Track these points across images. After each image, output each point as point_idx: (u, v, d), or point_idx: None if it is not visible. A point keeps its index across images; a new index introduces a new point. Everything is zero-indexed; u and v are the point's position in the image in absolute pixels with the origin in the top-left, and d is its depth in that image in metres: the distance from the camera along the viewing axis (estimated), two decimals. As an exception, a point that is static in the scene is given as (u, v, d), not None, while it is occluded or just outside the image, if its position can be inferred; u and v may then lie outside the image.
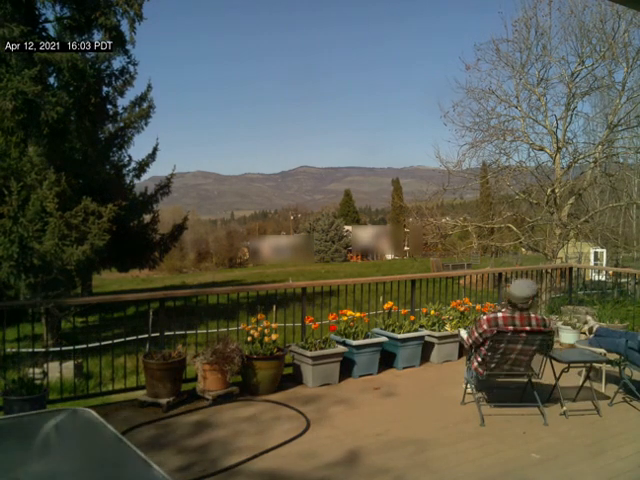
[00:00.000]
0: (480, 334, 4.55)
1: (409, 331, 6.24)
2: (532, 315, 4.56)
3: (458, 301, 7.02)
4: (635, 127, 14.17)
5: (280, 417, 4.76)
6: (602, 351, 5.24)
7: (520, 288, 4.57)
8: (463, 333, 5.28)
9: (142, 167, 17.30)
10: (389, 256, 60.19)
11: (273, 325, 5.55)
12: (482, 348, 4.59)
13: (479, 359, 4.63)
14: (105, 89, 15.23)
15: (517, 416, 4.72)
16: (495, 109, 14.52)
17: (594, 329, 5.22)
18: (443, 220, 16.56)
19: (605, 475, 3.72)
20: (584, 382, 5.07)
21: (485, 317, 4.60)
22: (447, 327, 6.51)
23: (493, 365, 4.58)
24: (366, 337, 5.97)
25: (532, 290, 4.56)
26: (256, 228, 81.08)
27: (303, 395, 5.31)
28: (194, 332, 6.38)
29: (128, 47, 14.29)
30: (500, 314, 4.56)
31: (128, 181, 17.21)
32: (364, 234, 62.91)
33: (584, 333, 6.14)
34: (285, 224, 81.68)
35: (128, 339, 7.22)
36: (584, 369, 5.14)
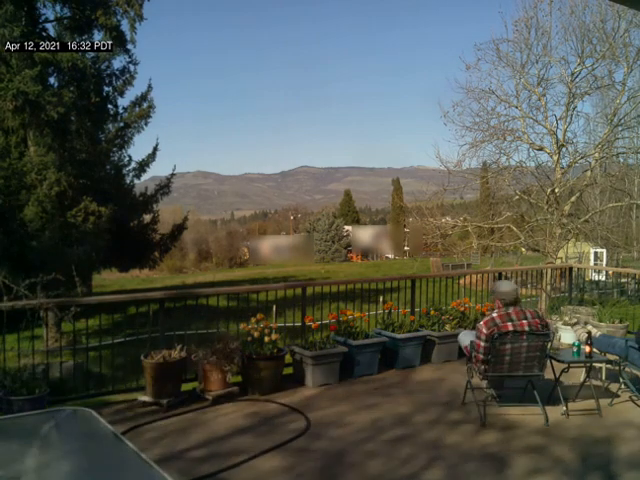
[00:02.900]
0: (485, 341, 4.54)
1: (409, 331, 6.24)
2: (525, 309, 4.65)
3: (458, 301, 7.02)
4: (635, 127, 14.17)
5: (280, 417, 4.76)
6: (602, 351, 5.24)
7: (504, 285, 4.79)
8: (464, 339, 5.16)
9: (142, 167, 17.30)
10: (390, 256, 60.20)
11: (273, 325, 5.55)
12: (488, 355, 4.55)
13: (484, 367, 4.60)
14: (105, 89, 15.22)
15: (517, 416, 4.72)
16: (495, 109, 14.53)
17: (593, 335, 5.19)
18: (443, 220, 16.55)
19: (606, 475, 3.72)
20: (584, 382, 5.08)
21: (482, 322, 4.61)
22: (447, 327, 6.50)
23: (506, 366, 4.54)
24: (366, 337, 5.98)
25: (514, 285, 4.82)
26: (256, 228, 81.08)
27: (303, 395, 5.32)
28: (194, 332, 6.37)
29: (129, 47, 14.32)
30: (495, 314, 4.60)
31: (128, 181, 17.21)
32: (364, 234, 62.89)
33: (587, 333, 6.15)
34: (285, 224, 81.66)
35: (128, 339, 7.23)
36: (584, 369, 5.14)
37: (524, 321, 4.50)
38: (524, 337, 4.47)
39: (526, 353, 4.53)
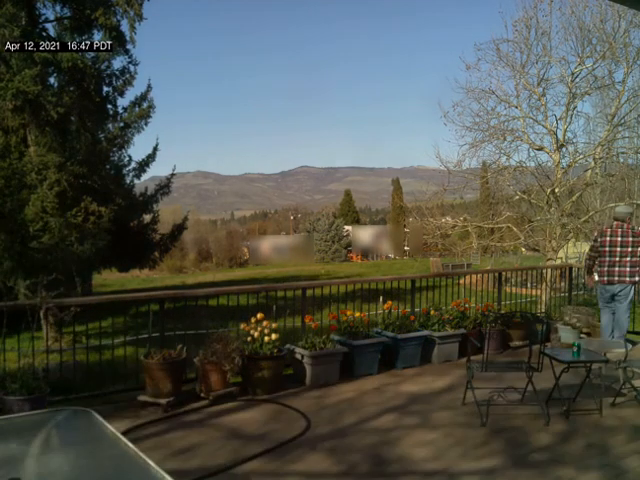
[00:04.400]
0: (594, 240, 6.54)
1: (409, 331, 6.24)
2: (625, 225, 6.27)
3: (458, 301, 7.02)
4: (635, 127, 14.16)
5: (280, 417, 4.76)
6: (602, 351, 5.23)
7: (620, 209, 6.53)
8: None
9: (142, 167, 17.27)
10: (390, 255, 60.23)
11: (273, 325, 5.55)
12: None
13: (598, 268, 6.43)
14: (105, 89, 15.21)
15: (518, 416, 4.72)
16: (495, 109, 14.50)
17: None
18: (443, 220, 16.54)
19: (607, 475, 3.72)
20: (584, 382, 5.07)
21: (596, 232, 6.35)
22: (447, 327, 6.50)
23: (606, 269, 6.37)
24: (366, 337, 5.98)
25: (629, 209, 6.60)
26: (256, 228, 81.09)
27: (303, 395, 5.31)
28: (194, 332, 6.37)
29: (128, 47, 14.30)
30: (604, 226, 6.40)
31: (128, 181, 17.19)
32: (364, 234, 62.91)
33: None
34: (285, 224, 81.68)
35: (128, 339, 7.22)
36: (584, 369, 5.14)
37: (618, 230, 6.34)
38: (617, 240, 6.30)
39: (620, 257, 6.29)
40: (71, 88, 13.40)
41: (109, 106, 15.65)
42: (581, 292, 10.24)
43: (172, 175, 17.92)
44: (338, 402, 5.13)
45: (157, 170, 18.79)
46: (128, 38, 13.89)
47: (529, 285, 12.24)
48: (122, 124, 16.44)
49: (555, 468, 3.78)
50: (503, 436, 4.34)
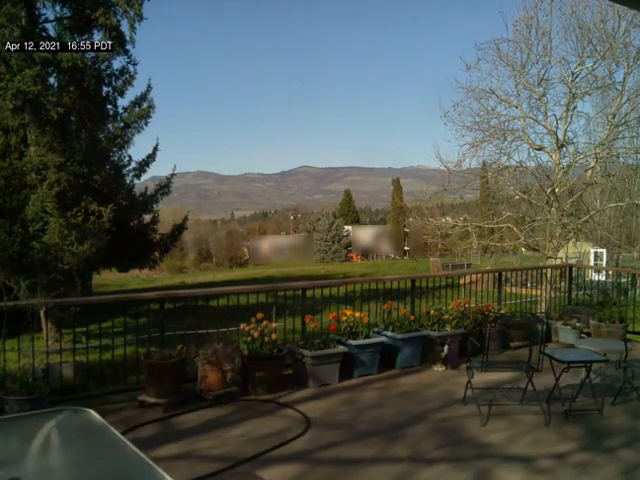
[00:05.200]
0: None
1: (409, 331, 6.24)
2: None
3: (458, 301, 7.02)
4: (635, 127, 14.17)
5: (280, 417, 4.76)
6: (602, 351, 5.23)
7: None
8: None
9: (142, 167, 17.24)
10: (391, 255, 60.31)
11: (273, 325, 5.55)
12: None
13: None
14: (105, 89, 15.20)
15: (518, 416, 4.72)
16: (495, 109, 14.51)
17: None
18: (443, 220, 16.55)
19: (607, 474, 3.72)
20: (584, 382, 5.06)
21: None
22: (447, 327, 6.50)
23: None
24: (366, 337, 5.97)
25: None
26: (256, 228, 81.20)
27: (303, 395, 5.31)
28: (194, 332, 6.37)
29: (128, 47, 14.31)
30: None
31: (128, 181, 17.17)
32: (364, 234, 62.98)
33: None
34: (285, 224, 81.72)
35: (128, 339, 7.22)
36: (584, 369, 5.13)
37: None
38: None
39: None
40: (71, 88, 13.40)
41: (109, 106, 15.65)
42: (581, 292, 10.24)
43: (172, 175, 17.90)
44: (338, 401, 5.13)
45: (157, 170, 18.76)
46: (128, 38, 13.90)
47: (529, 285, 12.24)
48: (122, 124, 16.42)
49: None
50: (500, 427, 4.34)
